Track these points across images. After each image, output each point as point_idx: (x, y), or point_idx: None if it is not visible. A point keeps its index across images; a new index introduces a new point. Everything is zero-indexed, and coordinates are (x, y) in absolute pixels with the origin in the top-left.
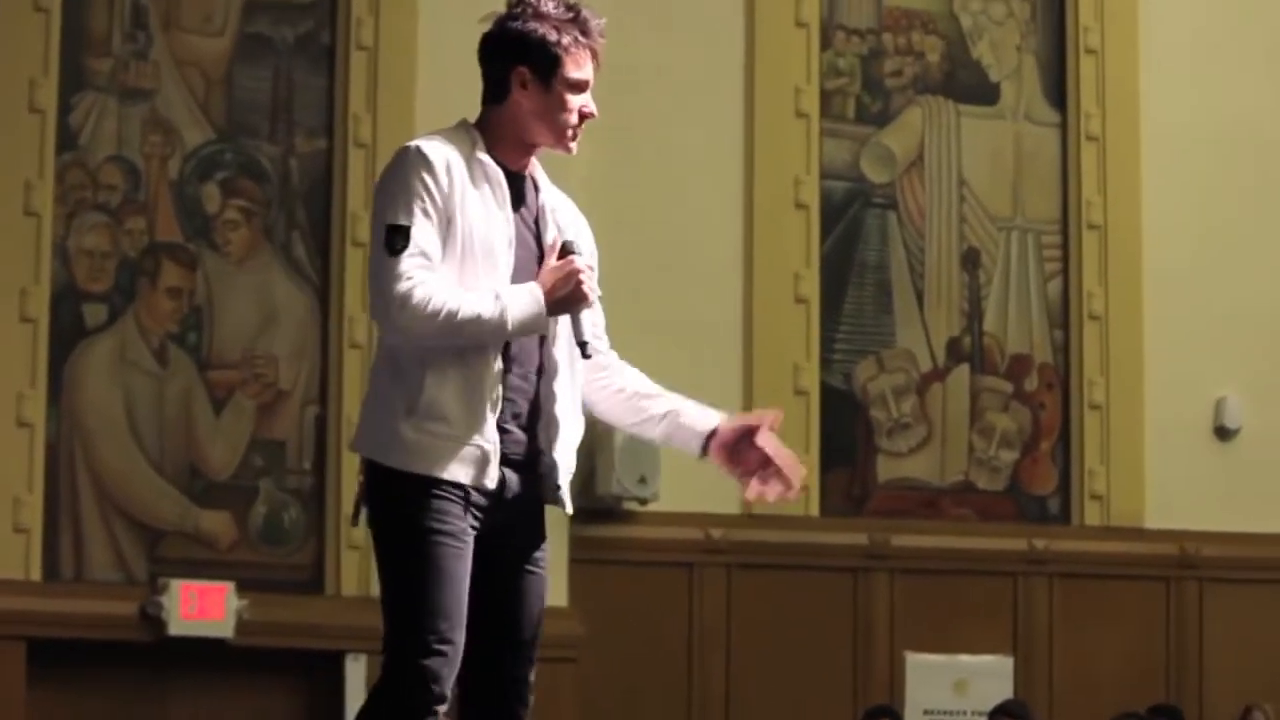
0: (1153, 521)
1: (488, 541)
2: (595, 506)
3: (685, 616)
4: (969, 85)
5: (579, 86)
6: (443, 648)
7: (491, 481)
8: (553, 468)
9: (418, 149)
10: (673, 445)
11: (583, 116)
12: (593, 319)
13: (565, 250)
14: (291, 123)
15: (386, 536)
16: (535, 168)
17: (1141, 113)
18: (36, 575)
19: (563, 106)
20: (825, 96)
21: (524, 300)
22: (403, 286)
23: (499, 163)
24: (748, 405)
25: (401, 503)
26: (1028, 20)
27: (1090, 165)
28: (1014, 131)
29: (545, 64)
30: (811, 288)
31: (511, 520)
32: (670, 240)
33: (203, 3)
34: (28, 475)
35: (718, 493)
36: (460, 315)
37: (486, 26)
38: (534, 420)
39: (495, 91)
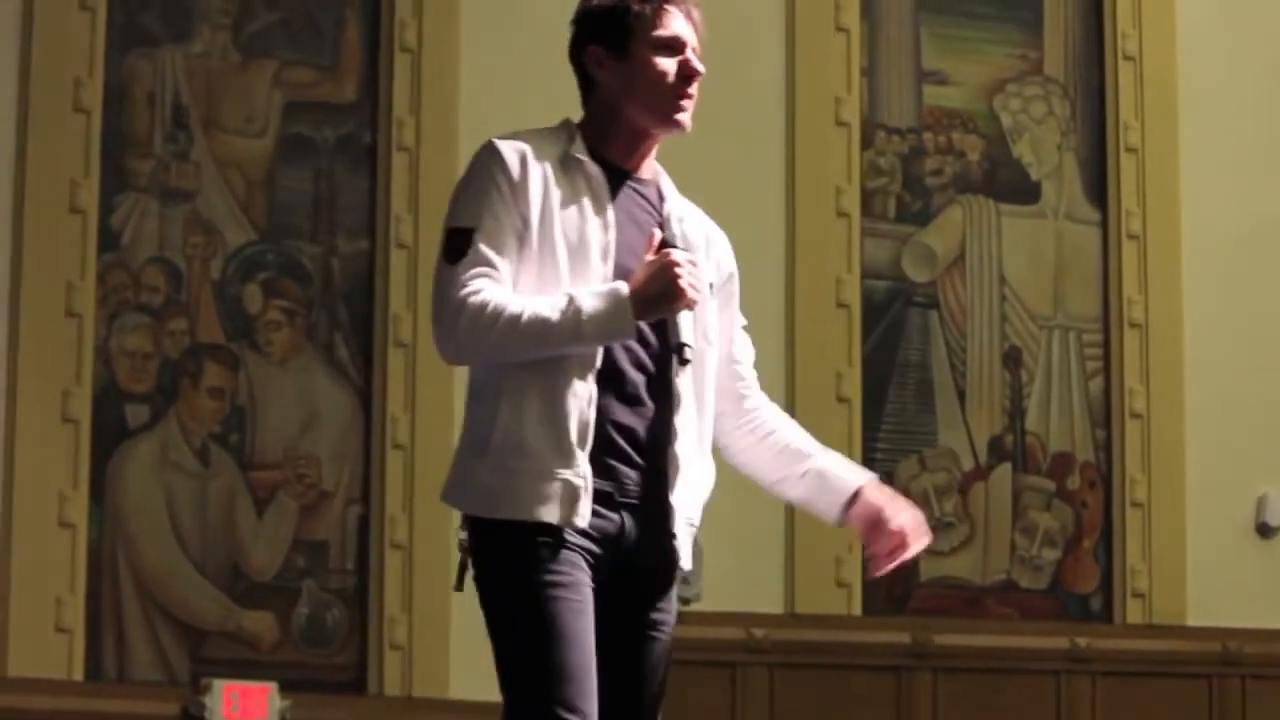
0: (1195, 619)
1: (608, 594)
2: None
3: (728, 716)
4: (1010, 184)
5: (666, 45)
6: (570, 718)
7: (583, 519)
8: (669, 513)
9: (492, 145)
10: (810, 509)
11: (686, 77)
12: (740, 342)
13: (664, 245)
14: (333, 223)
15: (493, 596)
16: (661, 174)
17: (1182, 211)
18: (79, 675)
19: (649, 70)
20: (866, 195)
21: (601, 299)
22: (459, 295)
23: (606, 162)
24: (791, 507)
25: (503, 555)
26: (1068, 119)
27: (1131, 263)
28: (1055, 230)
29: (617, 34)
30: (853, 387)
31: (634, 571)
32: None
33: (244, 104)
34: (70, 576)
35: (761, 592)
36: (524, 319)
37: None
38: (653, 456)
39: (584, 83)
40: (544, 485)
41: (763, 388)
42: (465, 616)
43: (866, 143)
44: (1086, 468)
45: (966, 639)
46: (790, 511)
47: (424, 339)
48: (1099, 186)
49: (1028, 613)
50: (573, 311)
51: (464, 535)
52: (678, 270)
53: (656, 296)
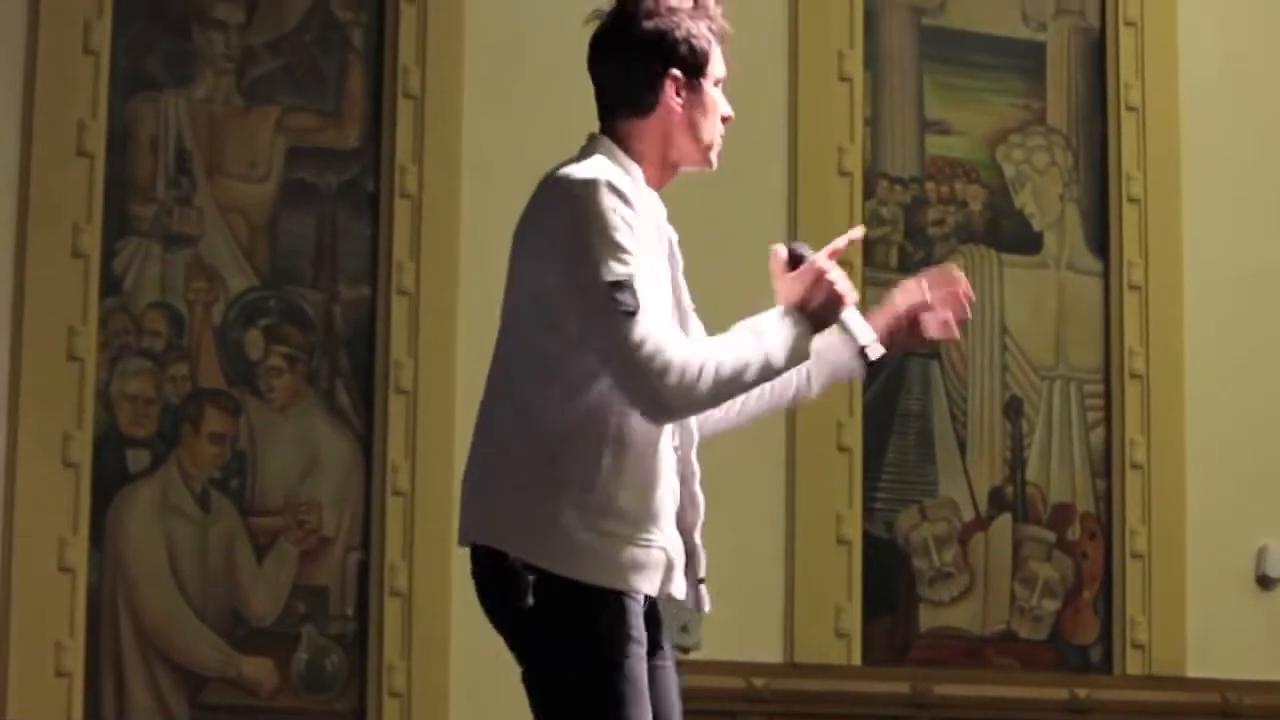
0: (1195, 670)
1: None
2: None
3: None
4: (1012, 234)
5: (719, 83)
6: None
7: (679, 591)
8: (695, 553)
9: (609, 182)
10: (839, 381)
11: (724, 120)
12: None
13: (794, 256)
14: (335, 269)
15: (570, 656)
16: None
17: (1184, 262)
18: None
19: (710, 105)
20: (869, 245)
21: (789, 328)
22: (653, 357)
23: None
24: (790, 556)
25: (587, 618)
26: (1070, 169)
27: (1133, 314)
28: (1057, 280)
29: (695, 64)
30: (854, 436)
31: (658, 610)
32: None
33: (247, 149)
34: (70, 620)
35: (761, 642)
36: (727, 372)
37: (591, 27)
38: (686, 498)
39: (638, 103)
40: (642, 553)
41: (764, 439)
42: (465, 664)
43: (869, 192)
44: (1087, 518)
45: (966, 689)
46: (790, 560)
47: (425, 386)
48: (1101, 237)
49: (1028, 663)
50: (764, 349)
51: (526, 581)
52: (831, 278)
53: (822, 308)
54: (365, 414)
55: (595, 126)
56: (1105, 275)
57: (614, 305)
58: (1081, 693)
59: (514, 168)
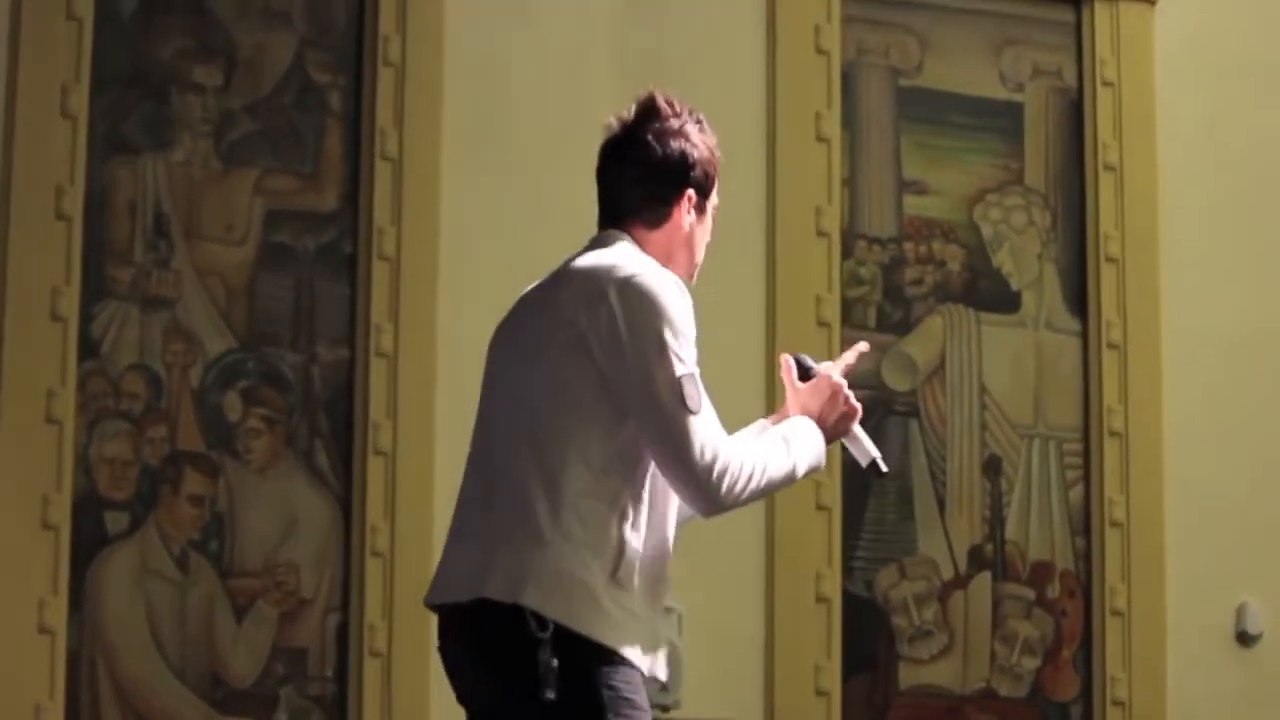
0: None
1: None
2: None
3: None
4: (990, 293)
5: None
6: None
7: (664, 674)
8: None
9: (680, 283)
10: None
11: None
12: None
13: (803, 368)
14: (313, 332)
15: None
16: None
17: (1163, 321)
18: None
19: (706, 229)
20: (847, 305)
21: (811, 440)
22: (714, 459)
23: None
24: (770, 615)
25: (612, 685)
26: (1048, 229)
27: (1111, 373)
28: (1035, 340)
29: (706, 188)
30: (833, 495)
31: None
32: None
33: (225, 212)
34: (49, 682)
35: (741, 700)
36: (766, 481)
37: (608, 128)
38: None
39: (653, 215)
40: (653, 637)
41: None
42: None
43: (847, 252)
44: (1066, 576)
45: None
46: (770, 618)
47: (403, 447)
48: (1079, 296)
49: None
50: (793, 462)
51: (542, 635)
52: (847, 393)
53: (837, 424)
54: (344, 475)
55: (573, 187)
56: (1084, 334)
57: (681, 402)
58: None
59: (492, 230)
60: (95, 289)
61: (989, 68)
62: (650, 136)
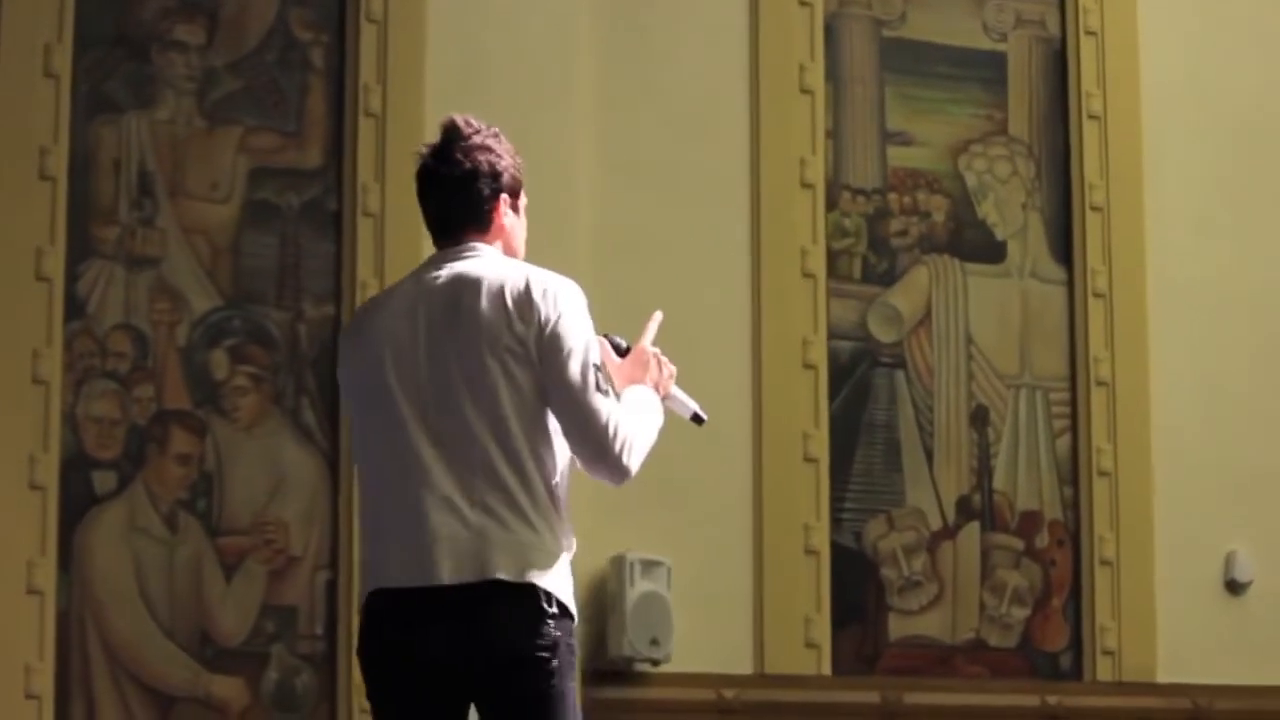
0: (1165, 676)
1: None
2: (607, 668)
3: None
4: (975, 244)
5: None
6: None
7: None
8: None
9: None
10: None
11: None
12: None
13: (616, 346)
14: (299, 289)
15: (569, 682)
16: None
17: (1148, 269)
18: None
19: (524, 228)
20: (831, 257)
21: (655, 402)
22: (627, 426)
23: None
24: (758, 567)
25: (574, 642)
26: (1033, 178)
27: (1097, 322)
28: (1020, 289)
29: (516, 188)
30: (821, 447)
31: None
32: None
33: (209, 170)
34: (39, 643)
35: (731, 653)
36: (648, 445)
37: (420, 156)
38: None
39: (478, 221)
40: None
41: (732, 450)
42: None
43: (831, 204)
44: (1055, 526)
45: (936, 698)
46: (759, 572)
47: None
48: (1064, 245)
49: (998, 671)
50: (653, 418)
51: (555, 629)
52: (662, 359)
53: (660, 385)
54: (331, 432)
55: (555, 143)
56: (1069, 283)
57: (597, 388)
58: (1052, 700)
59: None
60: (80, 248)
61: (972, 18)
62: (459, 154)
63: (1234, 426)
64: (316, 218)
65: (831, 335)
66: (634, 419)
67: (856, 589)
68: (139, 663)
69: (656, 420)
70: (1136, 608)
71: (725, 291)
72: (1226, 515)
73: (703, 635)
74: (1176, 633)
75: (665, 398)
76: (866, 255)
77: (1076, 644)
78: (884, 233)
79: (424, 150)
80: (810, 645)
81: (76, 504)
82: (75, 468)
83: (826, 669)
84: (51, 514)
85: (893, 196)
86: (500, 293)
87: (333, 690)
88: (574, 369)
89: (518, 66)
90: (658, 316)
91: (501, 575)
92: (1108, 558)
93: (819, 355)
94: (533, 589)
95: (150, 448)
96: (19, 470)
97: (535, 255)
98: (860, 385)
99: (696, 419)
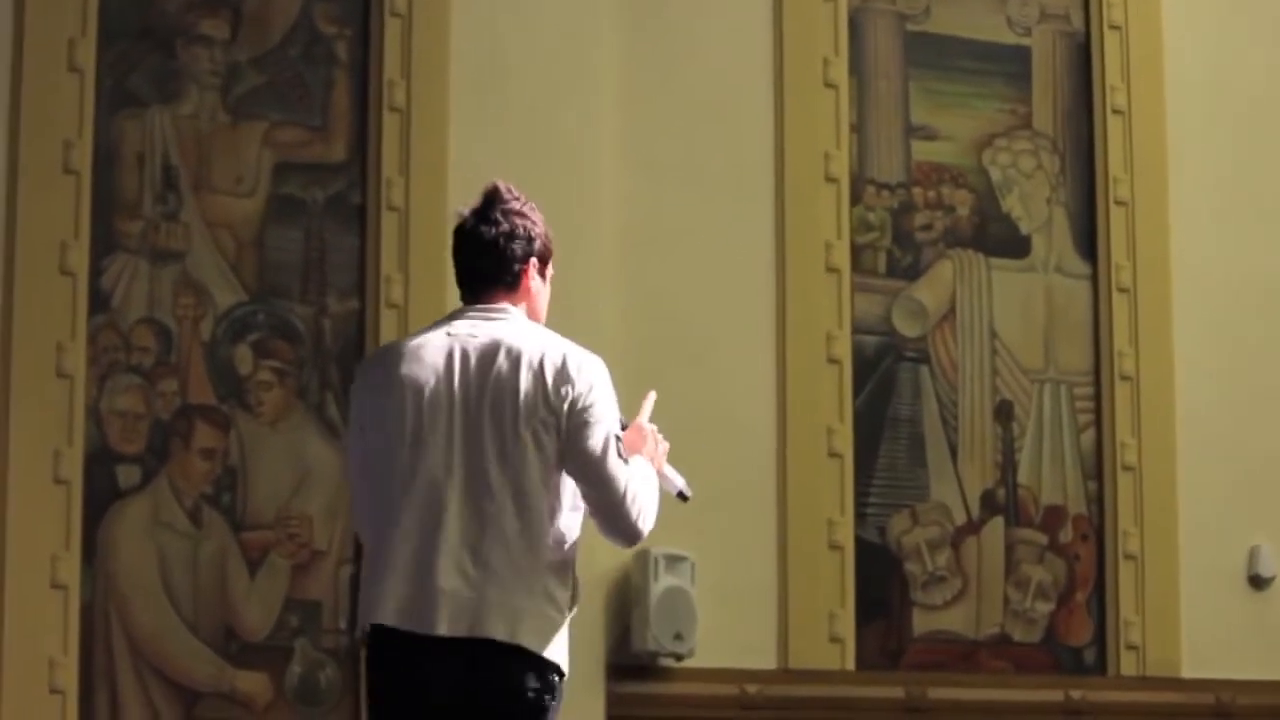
0: (1189, 671)
1: None
2: (631, 663)
3: None
4: (999, 238)
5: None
6: None
7: None
8: None
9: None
10: None
11: None
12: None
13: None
14: (324, 283)
15: None
16: None
17: (1172, 263)
18: None
19: (548, 297)
20: (856, 251)
21: (652, 469)
22: (637, 499)
23: None
24: (783, 562)
25: (556, 708)
26: (1057, 173)
27: (1121, 317)
28: (1045, 284)
29: (546, 256)
30: (845, 442)
31: None
32: (703, 399)
33: (233, 164)
34: (63, 637)
35: (754, 648)
36: (654, 512)
37: (459, 215)
38: None
39: (508, 281)
40: None
41: (756, 445)
42: None
43: (856, 198)
44: (1079, 520)
45: (960, 693)
46: (783, 567)
47: None
48: (1089, 240)
49: (1022, 666)
50: (656, 488)
51: (537, 685)
52: (658, 435)
53: (654, 459)
54: None
55: (579, 137)
56: (1094, 278)
57: (618, 451)
58: (1076, 694)
59: (500, 179)
60: (104, 242)
61: (996, 12)
62: (499, 215)
63: (1258, 421)
64: (341, 212)
65: (856, 330)
66: (646, 487)
67: (880, 584)
68: (163, 657)
69: (657, 489)
70: (1160, 602)
71: (749, 286)
72: (1250, 510)
73: (726, 630)
74: (1200, 627)
75: (657, 471)
76: (891, 249)
77: (1100, 639)
78: (908, 227)
79: (464, 211)
80: (834, 640)
81: (100, 498)
82: (99, 462)
83: (850, 664)
84: (76, 508)
85: (917, 191)
86: (540, 367)
87: (356, 684)
88: (599, 439)
89: (541, 61)
90: (652, 396)
91: (494, 636)
92: (1132, 552)
93: (843, 350)
94: (521, 651)
95: (174, 442)
96: (43, 464)
97: (560, 250)
98: (885, 380)
99: (682, 496)
